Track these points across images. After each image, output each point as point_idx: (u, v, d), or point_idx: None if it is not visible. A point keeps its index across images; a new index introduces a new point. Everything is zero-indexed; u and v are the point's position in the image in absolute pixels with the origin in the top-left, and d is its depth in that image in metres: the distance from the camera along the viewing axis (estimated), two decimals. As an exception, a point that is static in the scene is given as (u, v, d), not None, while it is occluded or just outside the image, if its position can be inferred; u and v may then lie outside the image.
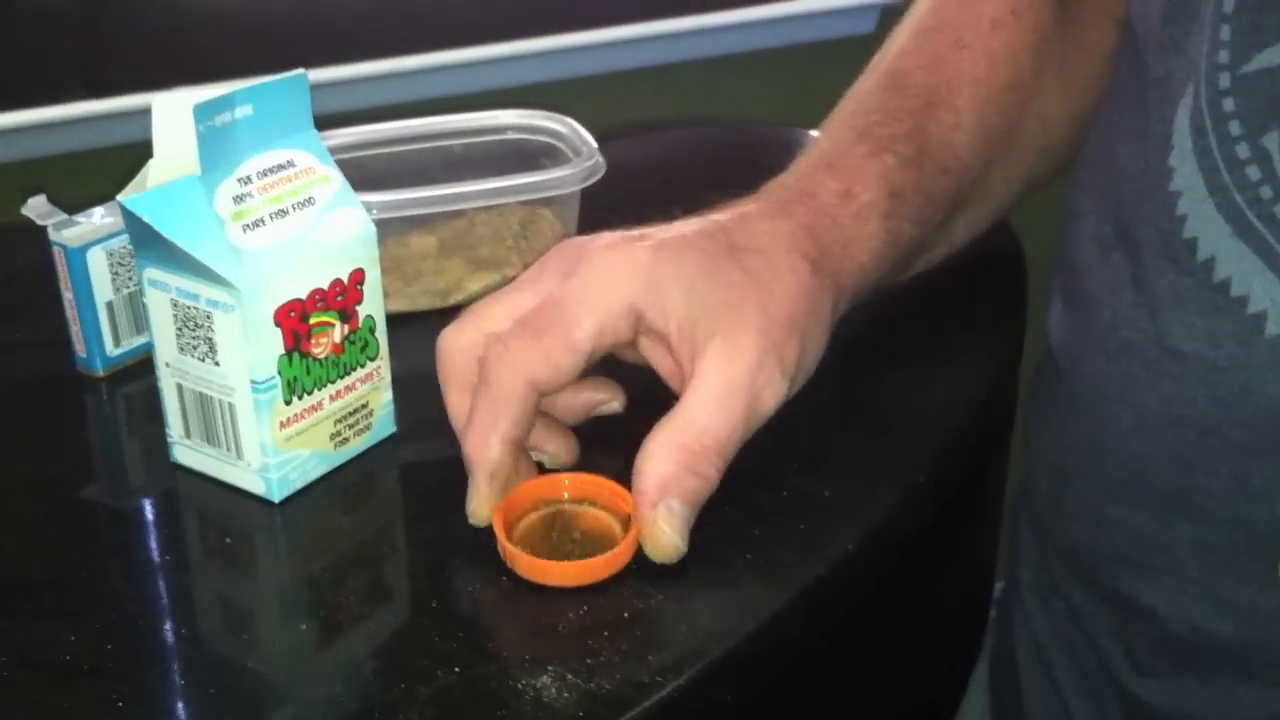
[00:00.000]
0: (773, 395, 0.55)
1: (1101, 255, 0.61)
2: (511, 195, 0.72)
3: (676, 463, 0.53)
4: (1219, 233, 0.54)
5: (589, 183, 0.73)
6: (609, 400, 0.61)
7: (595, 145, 0.75)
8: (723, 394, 0.54)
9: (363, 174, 0.70)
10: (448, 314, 0.73)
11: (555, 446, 0.59)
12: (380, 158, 0.75)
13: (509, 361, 0.54)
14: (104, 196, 0.67)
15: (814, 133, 1.01)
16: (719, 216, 0.59)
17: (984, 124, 0.67)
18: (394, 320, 0.63)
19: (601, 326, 0.54)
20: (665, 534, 0.53)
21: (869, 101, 0.67)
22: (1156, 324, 0.57)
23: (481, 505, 0.55)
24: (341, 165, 0.66)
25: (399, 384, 0.63)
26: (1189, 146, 0.55)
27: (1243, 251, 0.53)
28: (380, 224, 0.64)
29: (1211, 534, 0.57)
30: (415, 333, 0.71)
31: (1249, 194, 0.53)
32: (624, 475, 0.57)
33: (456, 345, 0.57)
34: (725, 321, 0.55)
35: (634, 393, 0.66)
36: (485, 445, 0.54)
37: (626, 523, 0.55)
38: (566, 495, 0.58)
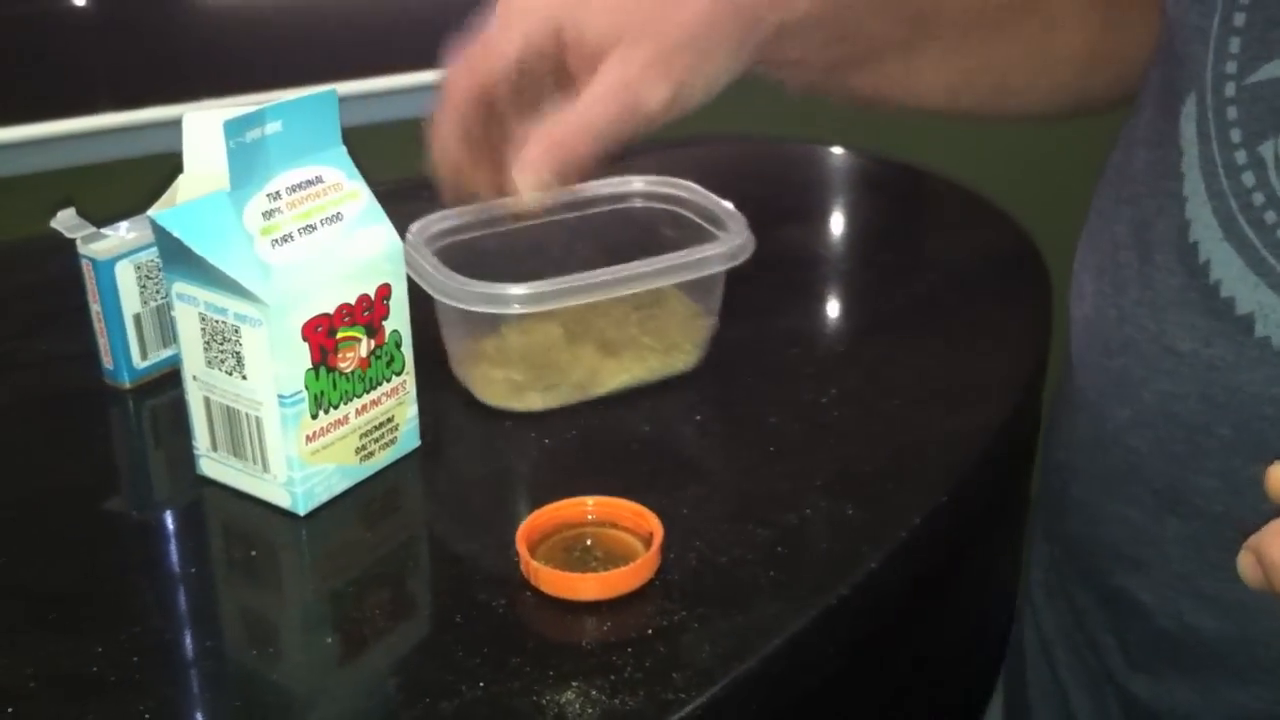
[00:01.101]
0: (655, 98, 0.61)
1: (1113, 254, 0.62)
2: (674, 276, 0.66)
3: (545, 143, 0.61)
4: (1214, 236, 0.56)
5: (740, 260, 0.68)
6: None
7: (740, 216, 0.70)
8: (604, 89, 0.61)
9: (477, 257, 0.66)
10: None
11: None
12: (496, 236, 0.70)
13: (453, 69, 0.65)
14: (133, 208, 0.67)
15: (836, 149, 1.02)
16: None
17: None
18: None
19: (526, 34, 0.63)
20: (524, 182, 0.61)
21: None
22: (1159, 323, 0.58)
23: (435, 165, 0.66)
24: (453, 249, 0.66)
25: (424, 398, 0.64)
26: (1195, 153, 0.57)
27: (1231, 255, 0.55)
28: (504, 314, 0.63)
29: (1199, 530, 0.58)
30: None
31: (1242, 200, 0.55)
32: (646, 498, 0.57)
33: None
34: (629, 34, 0.61)
35: (658, 431, 0.67)
36: (439, 133, 0.65)
37: (649, 542, 0.56)
38: (590, 518, 0.58)
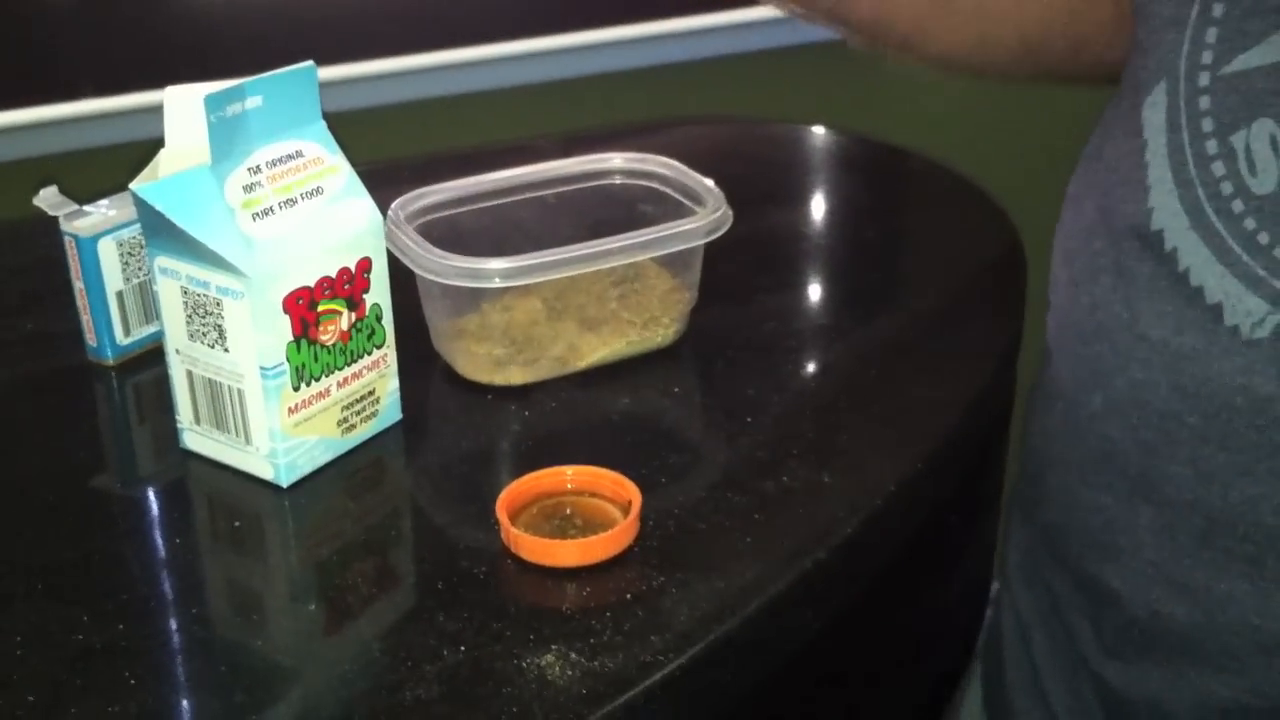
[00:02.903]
0: None
1: (1086, 242, 0.63)
2: (652, 250, 0.67)
3: None
4: (1181, 225, 0.56)
5: (717, 234, 0.68)
6: None
7: (719, 191, 0.70)
8: None
9: (458, 235, 0.67)
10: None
11: None
12: (477, 213, 0.70)
13: None
14: (114, 191, 0.68)
15: (818, 129, 1.03)
16: None
17: None
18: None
19: None
20: None
21: None
22: (1131, 310, 0.59)
23: None
24: (435, 226, 0.66)
25: (406, 374, 0.64)
26: (1163, 141, 0.57)
27: (1198, 244, 0.55)
28: (485, 289, 0.64)
29: (1170, 518, 0.59)
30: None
31: (1210, 189, 0.55)
32: (626, 468, 0.58)
33: None
34: None
35: (637, 403, 0.67)
36: None
37: (628, 509, 0.56)
38: (569, 487, 0.58)
